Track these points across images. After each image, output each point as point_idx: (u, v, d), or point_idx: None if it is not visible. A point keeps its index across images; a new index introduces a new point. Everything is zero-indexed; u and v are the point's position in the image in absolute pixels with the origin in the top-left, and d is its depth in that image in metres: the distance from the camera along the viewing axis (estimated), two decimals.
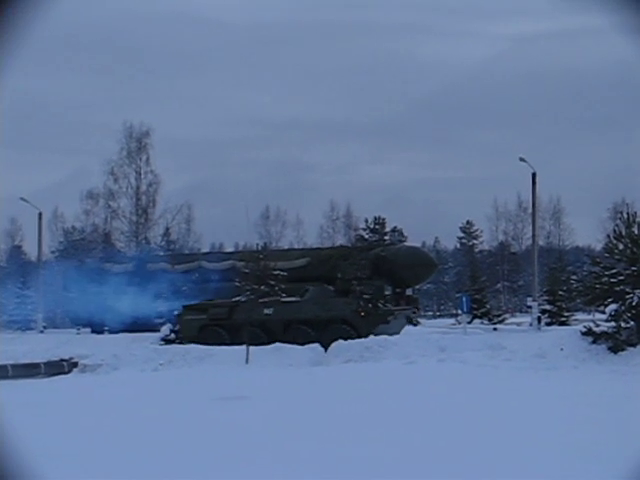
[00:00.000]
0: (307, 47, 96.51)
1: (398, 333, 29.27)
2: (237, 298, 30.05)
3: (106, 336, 36.65)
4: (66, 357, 27.20)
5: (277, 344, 27.79)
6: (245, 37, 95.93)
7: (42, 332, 46.89)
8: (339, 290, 29.96)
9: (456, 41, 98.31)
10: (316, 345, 26.81)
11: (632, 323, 22.95)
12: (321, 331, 27.94)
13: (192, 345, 28.73)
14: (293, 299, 30.21)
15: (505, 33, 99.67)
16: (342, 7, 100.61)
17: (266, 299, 30.06)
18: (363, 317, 28.33)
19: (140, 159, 59.49)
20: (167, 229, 58.81)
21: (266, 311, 29.32)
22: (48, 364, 26.32)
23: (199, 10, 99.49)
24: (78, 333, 42.19)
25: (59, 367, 26.34)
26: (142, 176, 59.41)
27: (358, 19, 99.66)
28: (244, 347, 25.91)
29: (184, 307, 31.38)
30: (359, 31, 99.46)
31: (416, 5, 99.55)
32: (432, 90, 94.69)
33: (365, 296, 28.60)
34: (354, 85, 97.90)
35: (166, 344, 29.14)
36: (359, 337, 27.04)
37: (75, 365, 26.59)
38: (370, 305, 28.62)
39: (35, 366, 26.01)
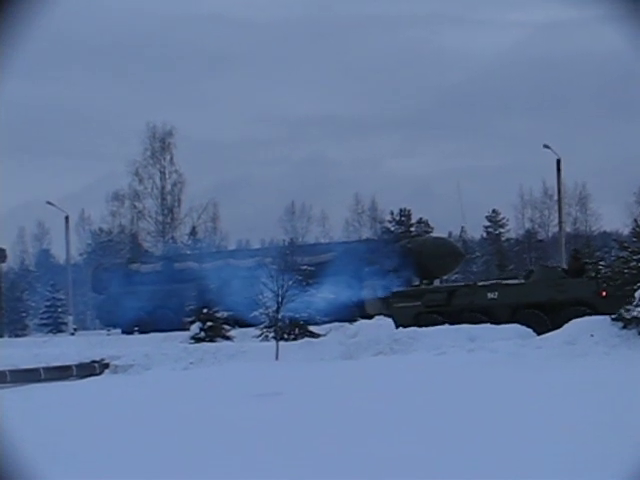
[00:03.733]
0: (330, 42, 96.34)
1: None
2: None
3: (136, 336, 36.94)
4: (97, 359, 27.37)
5: (306, 339, 27.77)
6: (269, 34, 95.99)
7: (73, 334, 47.35)
8: (569, 270, 28.63)
9: (480, 30, 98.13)
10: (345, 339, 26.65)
11: None
12: (554, 314, 26.44)
13: (223, 342, 28.85)
14: (517, 281, 29.46)
15: (528, 20, 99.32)
16: (365, 0, 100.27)
17: (486, 282, 29.39)
18: (605, 298, 26.25)
19: (164, 159, 59.93)
20: (194, 228, 59.15)
21: (490, 295, 28.14)
22: (80, 366, 26.49)
23: (224, 9, 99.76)
24: (109, 334, 42.56)
25: (91, 369, 26.50)
26: (167, 176, 59.86)
27: (381, 12, 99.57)
28: (280, 343, 25.92)
29: (394, 293, 30.23)
30: (382, 24, 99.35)
31: None
32: (457, 80, 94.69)
33: (599, 276, 27.07)
34: (378, 79, 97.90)
35: (196, 342, 29.27)
36: None
37: (106, 366, 26.73)
38: (606, 284, 26.12)
39: (67, 368, 26.19)
